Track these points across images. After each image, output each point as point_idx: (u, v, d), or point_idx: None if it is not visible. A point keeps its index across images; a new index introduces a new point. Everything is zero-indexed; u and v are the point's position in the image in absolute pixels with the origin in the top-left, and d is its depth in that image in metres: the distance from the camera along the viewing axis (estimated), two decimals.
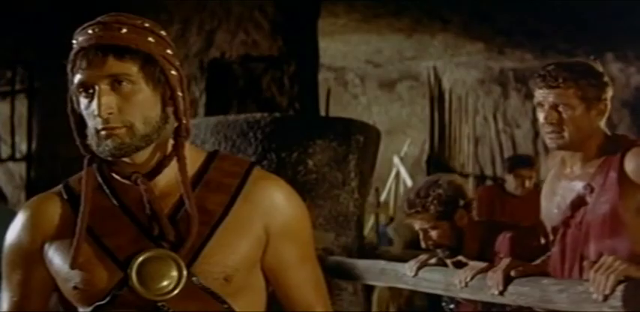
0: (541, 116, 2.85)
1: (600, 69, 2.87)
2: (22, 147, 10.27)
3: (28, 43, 9.35)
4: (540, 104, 2.85)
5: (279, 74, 8.98)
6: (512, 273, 2.86)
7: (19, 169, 10.47)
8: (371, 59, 13.31)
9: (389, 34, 11.64)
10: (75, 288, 1.76)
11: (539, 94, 2.85)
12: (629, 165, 2.74)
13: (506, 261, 2.96)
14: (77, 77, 1.72)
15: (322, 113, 10.64)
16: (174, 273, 1.74)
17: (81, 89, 1.72)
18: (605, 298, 2.40)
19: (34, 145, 9.64)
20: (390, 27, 11.33)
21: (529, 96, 14.43)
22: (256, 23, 8.98)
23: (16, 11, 8.81)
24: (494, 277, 2.92)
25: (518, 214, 5.51)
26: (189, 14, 8.82)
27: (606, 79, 2.87)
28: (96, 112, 1.70)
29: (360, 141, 4.89)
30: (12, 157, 10.58)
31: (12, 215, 1.92)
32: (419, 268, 3.53)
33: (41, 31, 8.84)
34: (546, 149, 13.97)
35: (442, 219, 3.60)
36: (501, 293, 2.89)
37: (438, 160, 11.82)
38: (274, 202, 1.85)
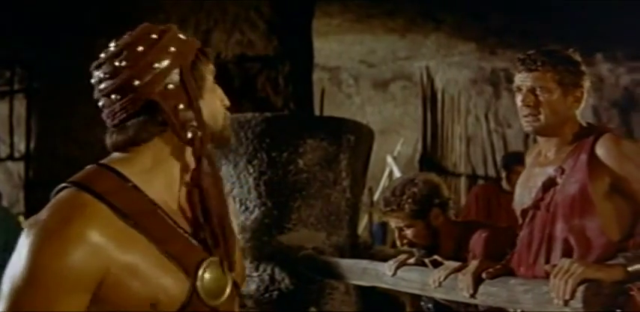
0: (518, 99, 2.90)
1: (578, 59, 2.94)
2: (21, 146, 10.29)
3: (26, 43, 9.40)
4: (519, 88, 2.91)
5: (274, 74, 8.99)
6: (484, 275, 2.87)
7: (18, 168, 10.49)
8: (365, 59, 13.29)
9: (382, 34, 11.63)
10: (153, 306, 1.68)
11: (519, 78, 2.91)
12: (600, 149, 2.80)
13: (475, 263, 2.95)
14: (210, 68, 1.84)
15: (317, 113, 10.69)
16: (224, 278, 1.79)
17: (213, 80, 1.85)
18: (566, 302, 2.43)
19: (32, 145, 9.66)
20: (383, 27, 11.33)
21: None
22: (252, 23, 9.00)
23: (15, 11, 8.86)
24: (464, 279, 2.92)
25: (513, 210, 5.49)
26: (186, 14, 8.83)
27: (583, 68, 2.93)
28: (227, 102, 1.87)
29: (351, 140, 4.82)
30: (10, 157, 10.60)
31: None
32: (397, 268, 3.50)
33: (40, 31, 8.89)
34: None
35: (417, 218, 3.58)
36: (472, 295, 2.90)
37: (430, 159, 11.90)
38: (234, 210, 2.01)
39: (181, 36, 1.81)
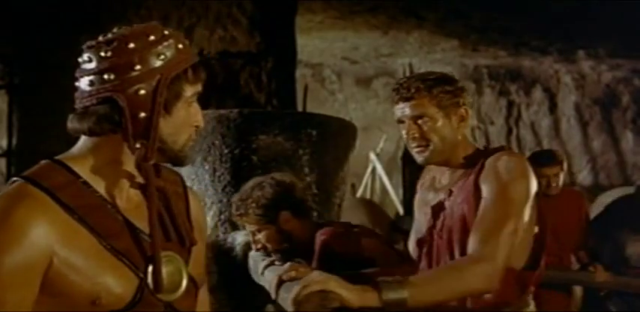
0: (403, 132, 2.74)
1: (454, 76, 2.79)
2: (3, 143, 10.29)
3: (8, 39, 9.40)
4: (401, 121, 2.74)
5: (257, 70, 8.98)
6: (284, 277, 2.68)
7: (0, 164, 10.50)
8: (347, 56, 13.30)
9: (365, 31, 11.65)
10: (93, 303, 1.66)
11: (397, 109, 2.74)
12: (486, 165, 2.61)
13: (284, 267, 2.77)
14: (194, 88, 1.78)
15: (300, 110, 10.69)
16: (179, 273, 1.79)
17: (192, 100, 1.79)
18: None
19: (14, 141, 9.67)
20: (366, 24, 11.36)
21: (503, 93, 14.51)
22: (234, 20, 9.00)
23: None
24: (271, 282, 2.75)
25: (555, 214, 4.88)
26: (168, 10, 8.83)
27: (460, 84, 2.77)
28: (201, 123, 1.81)
29: (312, 135, 4.69)
30: None
31: None
32: (265, 267, 3.32)
33: (21, 26, 8.89)
34: (519, 146, 14.01)
35: (265, 223, 3.39)
36: (275, 299, 2.70)
37: (413, 156, 11.91)
38: (200, 207, 1.99)
39: (181, 46, 1.75)
